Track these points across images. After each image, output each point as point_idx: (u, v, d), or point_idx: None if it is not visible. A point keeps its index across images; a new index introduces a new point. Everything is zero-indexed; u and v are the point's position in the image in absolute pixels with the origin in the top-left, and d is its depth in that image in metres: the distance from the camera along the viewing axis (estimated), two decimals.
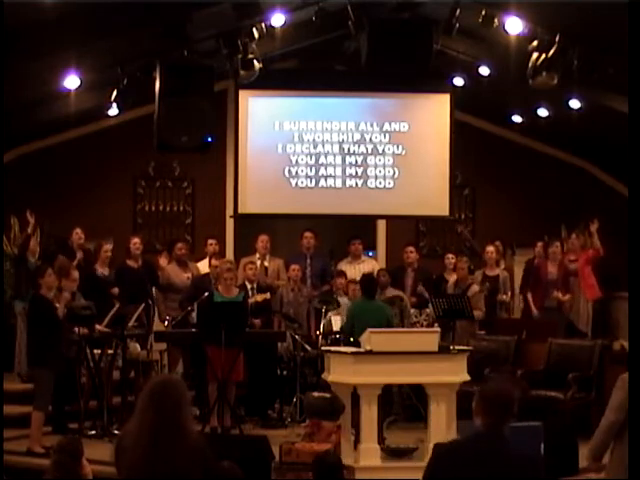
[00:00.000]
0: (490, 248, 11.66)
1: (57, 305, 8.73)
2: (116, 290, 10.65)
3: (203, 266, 11.35)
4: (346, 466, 6.55)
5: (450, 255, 11.85)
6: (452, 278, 11.26)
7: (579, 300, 11.48)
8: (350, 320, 9.48)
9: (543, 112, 12.11)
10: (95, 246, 11.14)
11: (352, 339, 8.98)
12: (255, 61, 10.14)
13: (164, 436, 3.66)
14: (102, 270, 10.83)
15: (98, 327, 9.30)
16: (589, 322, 11.44)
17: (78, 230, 11.29)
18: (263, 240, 11.55)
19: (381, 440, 8.46)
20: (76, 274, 9.30)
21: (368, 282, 9.68)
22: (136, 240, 11.15)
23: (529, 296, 11.63)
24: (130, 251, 11.02)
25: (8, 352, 10.29)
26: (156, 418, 3.69)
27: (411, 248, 11.82)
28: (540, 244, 12.03)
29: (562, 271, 11.58)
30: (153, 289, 11.15)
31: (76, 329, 9.04)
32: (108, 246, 10.95)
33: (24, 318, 9.85)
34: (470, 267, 11.30)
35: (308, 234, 11.67)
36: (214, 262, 10.85)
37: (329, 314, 10.45)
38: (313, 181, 12.23)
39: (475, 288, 10.92)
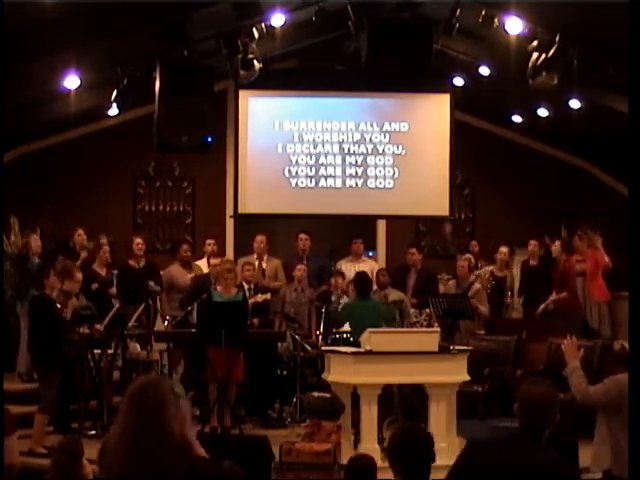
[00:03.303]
0: (503, 249, 11.65)
1: (59, 306, 8.73)
2: (114, 290, 10.65)
3: (202, 266, 11.35)
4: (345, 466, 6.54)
5: (468, 255, 11.72)
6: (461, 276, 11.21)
7: (590, 301, 11.47)
8: (342, 319, 9.49)
9: (543, 112, 12.11)
10: (93, 247, 11.14)
11: (351, 339, 9.01)
12: (255, 61, 10.15)
13: (144, 436, 3.67)
14: (100, 271, 10.83)
15: (97, 327, 9.31)
16: (602, 322, 11.43)
17: (80, 231, 11.31)
18: (261, 241, 11.54)
19: (381, 440, 8.46)
20: (79, 275, 9.31)
21: (361, 280, 9.69)
22: (139, 240, 11.15)
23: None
24: (132, 251, 11.03)
25: (9, 352, 10.29)
26: (136, 419, 3.70)
27: (413, 250, 11.75)
28: (534, 243, 12.03)
29: (558, 271, 11.58)
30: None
31: (78, 329, 9.06)
32: (106, 247, 10.95)
33: (26, 318, 9.86)
34: (470, 265, 11.29)
35: (303, 236, 11.66)
36: (213, 261, 10.84)
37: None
38: (313, 181, 12.23)
39: (477, 286, 10.93)
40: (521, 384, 4.10)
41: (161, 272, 11.28)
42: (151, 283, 10.87)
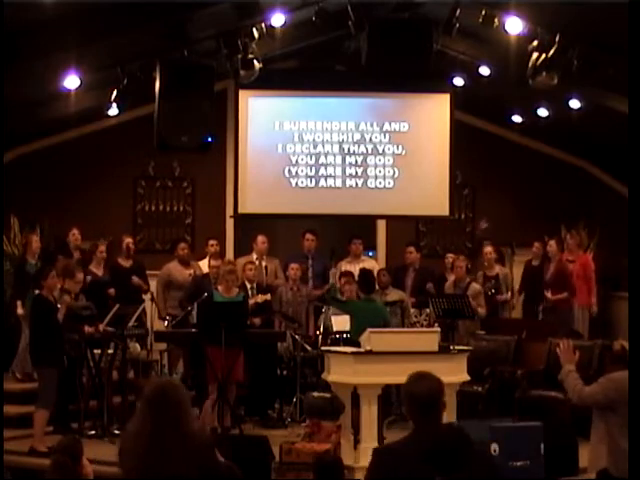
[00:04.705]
0: (488, 248, 11.68)
1: (59, 306, 8.73)
2: (113, 291, 10.66)
3: (203, 266, 11.36)
4: (346, 466, 6.55)
5: (450, 255, 11.86)
6: (451, 278, 11.26)
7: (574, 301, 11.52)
8: (342, 311, 9.55)
9: (543, 112, 12.10)
10: (90, 246, 11.16)
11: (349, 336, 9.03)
12: (255, 61, 10.16)
13: (165, 438, 3.68)
14: (97, 271, 10.85)
15: (98, 327, 9.30)
16: (584, 323, 11.46)
17: (75, 231, 11.32)
18: (262, 241, 11.54)
19: (381, 440, 8.45)
20: (80, 275, 9.32)
21: (366, 277, 9.68)
22: (129, 240, 11.23)
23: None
24: (123, 250, 11.10)
25: (8, 352, 10.28)
26: (156, 422, 3.71)
27: (411, 248, 11.77)
28: (537, 245, 12.04)
29: (555, 270, 11.58)
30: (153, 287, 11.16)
31: (78, 329, 9.07)
32: (103, 247, 10.97)
33: (25, 319, 9.86)
34: (468, 266, 11.30)
35: (310, 236, 11.66)
36: (213, 262, 10.87)
37: (329, 313, 10.44)
38: (313, 181, 12.23)
39: (475, 286, 10.93)
40: (406, 383, 4.07)
41: (159, 270, 11.30)
42: (134, 278, 10.92)
